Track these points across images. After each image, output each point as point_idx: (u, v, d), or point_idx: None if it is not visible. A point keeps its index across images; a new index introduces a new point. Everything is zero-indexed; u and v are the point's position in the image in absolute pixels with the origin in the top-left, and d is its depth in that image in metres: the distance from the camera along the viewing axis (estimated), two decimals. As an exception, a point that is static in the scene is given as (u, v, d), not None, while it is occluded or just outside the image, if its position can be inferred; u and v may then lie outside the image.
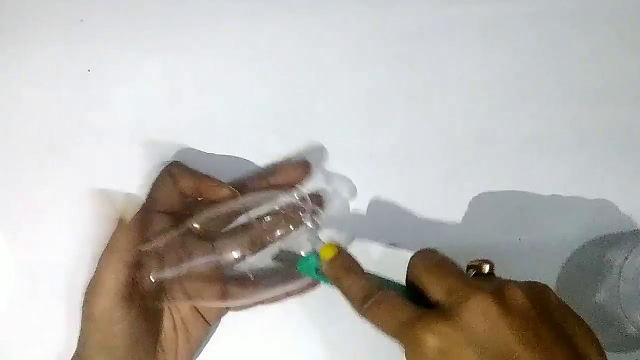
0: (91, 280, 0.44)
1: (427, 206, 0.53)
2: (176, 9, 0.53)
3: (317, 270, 0.44)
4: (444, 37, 0.54)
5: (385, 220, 0.53)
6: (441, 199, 0.53)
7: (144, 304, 0.45)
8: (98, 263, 0.44)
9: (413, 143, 0.53)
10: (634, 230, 0.52)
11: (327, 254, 0.43)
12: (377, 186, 0.53)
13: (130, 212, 0.44)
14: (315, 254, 0.45)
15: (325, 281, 0.44)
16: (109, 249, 0.44)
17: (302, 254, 0.46)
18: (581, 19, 0.54)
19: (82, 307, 0.44)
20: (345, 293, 0.42)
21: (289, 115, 0.53)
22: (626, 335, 0.49)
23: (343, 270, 0.42)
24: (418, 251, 0.43)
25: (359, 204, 0.53)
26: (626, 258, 0.48)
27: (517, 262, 0.53)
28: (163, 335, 0.46)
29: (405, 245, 0.53)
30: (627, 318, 0.48)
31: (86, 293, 0.44)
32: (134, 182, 0.51)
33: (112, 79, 0.52)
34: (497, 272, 0.53)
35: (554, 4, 0.54)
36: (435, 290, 0.39)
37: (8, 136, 0.52)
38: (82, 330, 0.45)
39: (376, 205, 0.53)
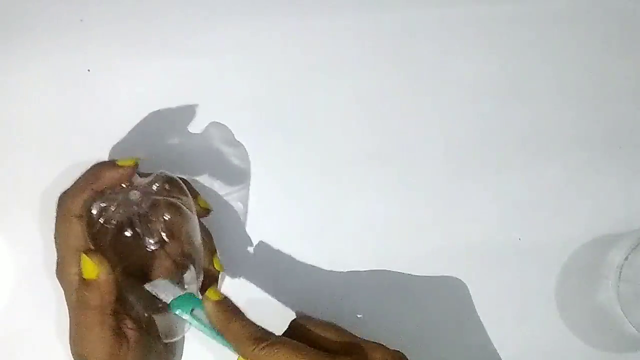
0: (78, 341, 0.43)
1: (427, 206, 0.53)
2: (176, 9, 0.53)
3: (192, 310, 0.43)
4: (443, 37, 0.54)
5: (385, 221, 0.53)
6: (441, 199, 0.53)
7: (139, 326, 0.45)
8: (79, 325, 0.43)
9: (413, 143, 0.53)
10: (634, 230, 0.52)
11: (214, 296, 0.43)
12: (376, 186, 0.53)
13: (96, 266, 0.42)
14: (193, 294, 0.44)
15: (198, 324, 0.43)
16: (85, 308, 0.42)
17: (179, 291, 0.44)
18: (581, 20, 0.54)
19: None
20: (236, 334, 0.41)
21: (289, 115, 0.53)
22: (626, 336, 0.49)
23: (231, 313, 0.42)
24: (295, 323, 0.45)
25: (358, 204, 0.53)
26: (626, 258, 0.48)
27: (517, 262, 0.53)
28: None
29: (404, 245, 0.53)
30: (627, 318, 0.48)
31: (79, 355, 0.43)
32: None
33: (112, 79, 0.52)
34: (498, 272, 0.53)
35: (553, 5, 0.54)
36: None
37: (8, 136, 0.52)
38: None
39: (376, 205, 0.53)
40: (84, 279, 0.42)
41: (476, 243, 0.53)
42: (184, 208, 0.45)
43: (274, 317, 0.52)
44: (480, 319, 0.53)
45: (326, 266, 0.52)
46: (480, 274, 0.53)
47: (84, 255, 0.42)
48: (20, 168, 0.52)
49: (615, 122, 0.54)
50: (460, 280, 0.53)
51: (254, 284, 0.52)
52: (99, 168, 0.45)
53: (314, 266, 0.52)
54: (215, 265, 0.48)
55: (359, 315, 0.52)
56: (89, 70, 0.52)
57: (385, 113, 0.53)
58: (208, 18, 0.53)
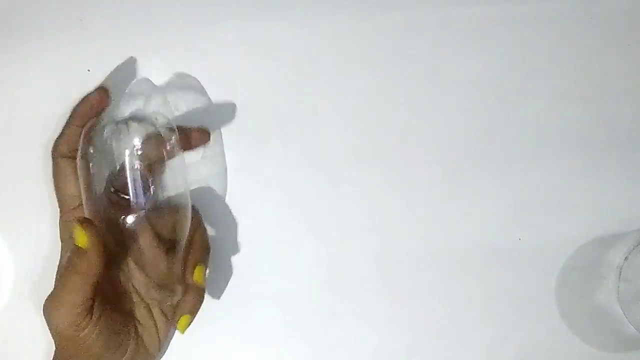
0: (52, 296, 0.44)
1: (427, 206, 0.53)
2: (176, 9, 0.53)
3: None
4: (444, 37, 0.54)
5: (385, 221, 0.53)
6: (441, 199, 0.53)
7: (110, 306, 0.45)
8: (59, 280, 0.44)
9: (413, 143, 0.53)
10: (634, 230, 0.52)
11: None
12: (376, 186, 0.53)
13: (87, 236, 0.42)
14: None
15: None
16: (71, 270, 0.43)
17: None
18: (580, 20, 0.54)
19: (46, 320, 0.44)
20: None
21: (289, 115, 0.53)
22: (626, 336, 0.49)
23: None
24: None
25: (358, 204, 0.53)
26: (626, 258, 0.48)
27: (517, 262, 0.53)
28: (141, 322, 0.47)
29: (405, 245, 0.53)
30: (627, 318, 0.48)
31: (47, 308, 0.44)
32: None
33: (112, 79, 0.52)
34: (498, 272, 0.53)
35: (553, 5, 0.54)
36: None
37: (8, 136, 0.52)
38: (54, 341, 0.45)
39: (376, 205, 0.53)
40: (76, 245, 0.42)
41: (476, 243, 0.53)
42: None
43: (274, 317, 0.52)
44: (481, 319, 0.53)
45: (326, 266, 0.52)
46: (480, 274, 0.53)
47: (75, 223, 0.42)
48: (20, 168, 0.52)
49: (615, 122, 0.54)
50: (460, 280, 0.53)
51: (254, 284, 0.52)
52: (75, 106, 0.48)
53: (313, 266, 0.52)
54: (195, 276, 0.45)
55: (358, 315, 0.52)
56: (89, 70, 0.52)
57: (384, 113, 0.53)
58: (208, 18, 0.53)
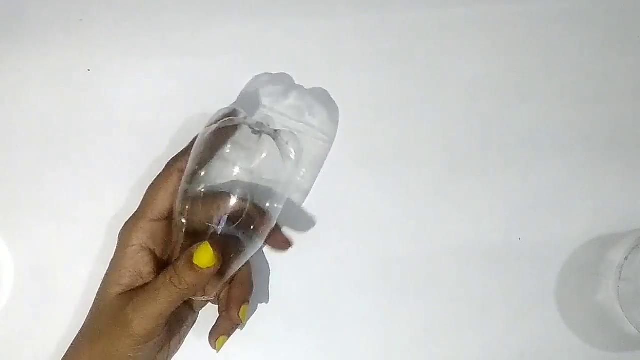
0: (144, 297, 0.43)
1: (427, 206, 0.53)
2: (176, 9, 0.53)
3: None
4: (444, 37, 0.54)
5: (386, 221, 0.53)
6: (441, 199, 0.53)
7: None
8: (159, 285, 0.43)
9: (413, 143, 0.53)
10: (634, 230, 0.52)
11: None
12: (376, 186, 0.53)
13: (216, 259, 0.42)
14: None
15: None
16: (176, 284, 0.43)
17: None
18: (580, 19, 0.54)
19: (123, 317, 0.43)
20: None
21: (289, 115, 0.53)
22: (626, 335, 0.49)
23: None
24: None
25: (358, 204, 0.53)
26: (626, 258, 0.48)
27: (517, 262, 0.53)
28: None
29: (405, 245, 0.53)
30: (627, 318, 0.48)
31: (134, 310, 0.43)
32: (133, 182, 0.51)
33: (112, 79, 0.52)
34: (498, 272, 0.53)
35: (553, 5, 0.54)
36: None
37: (8, 136, 0.52)
38: (110, 335, 0.43)
39: (376, 205, 0.53)
40: (191, 260, 0.42)
41: (476, 243, 0.53)
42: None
43: (274, 316, 0.52)
44: (481, 319, 0.53)
45: (326, 266, 0.52)
46: (480, 274, 0.53)
47: (208, 244, 0.42)
48: (20, 168, 0.52)
49: (615, 122, 0.54)
50: (460, 280, 0.53)
51: (254, 284, 0.52)
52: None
53: (313, 266, 0.52)
54: (241, 314, 0.47)
55: (359, 315, 0.52)
56: (89, 70, 0.52)
57: (385, 113, 0.53)
58: (208, 18, 0.53)
